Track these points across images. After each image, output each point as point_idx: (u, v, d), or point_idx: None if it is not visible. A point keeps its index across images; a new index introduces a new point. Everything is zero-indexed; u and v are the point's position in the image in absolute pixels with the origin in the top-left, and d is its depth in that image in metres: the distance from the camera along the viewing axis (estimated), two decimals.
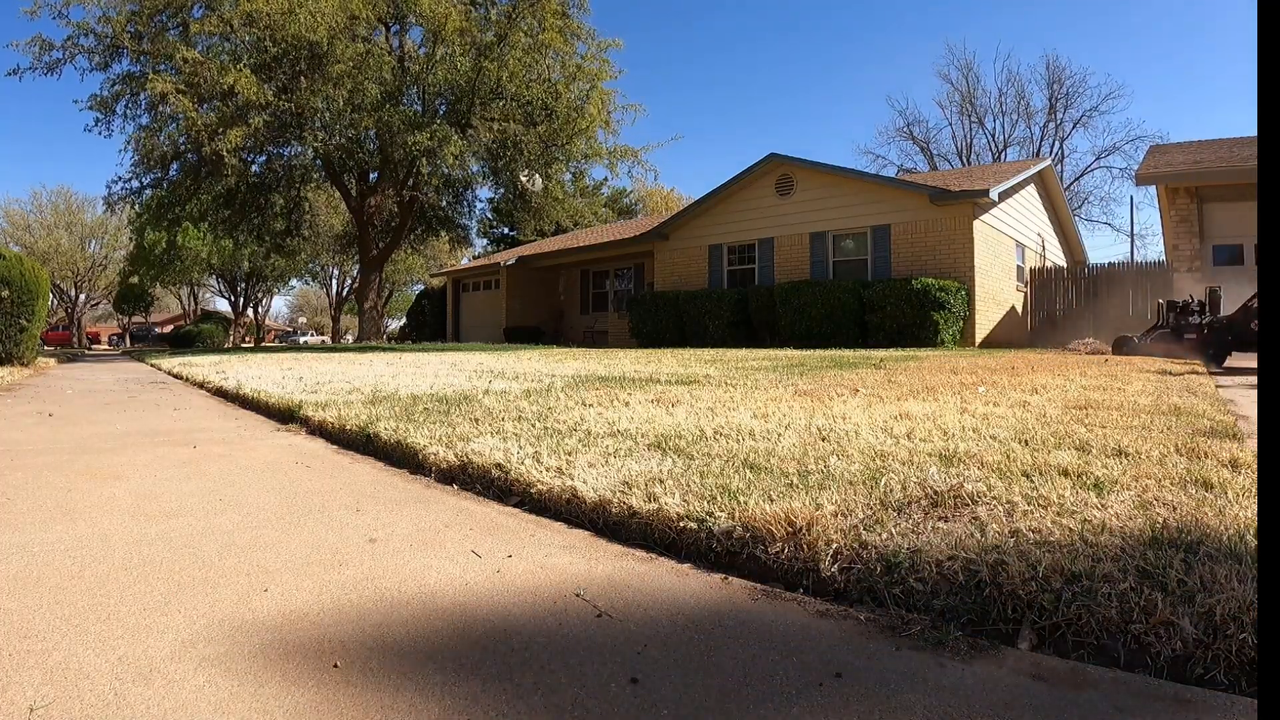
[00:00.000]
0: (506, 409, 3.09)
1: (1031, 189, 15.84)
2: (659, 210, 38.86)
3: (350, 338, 44.78)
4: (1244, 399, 3.54)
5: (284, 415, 3.53)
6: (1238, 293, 10.91)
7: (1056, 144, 35.73)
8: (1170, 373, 4.73)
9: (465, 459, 2.08)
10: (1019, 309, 14.50)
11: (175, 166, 15.09)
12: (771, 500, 1.44)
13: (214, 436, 3.02)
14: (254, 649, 1.01)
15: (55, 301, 42.77)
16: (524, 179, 15.38)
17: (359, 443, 2.67)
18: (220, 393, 4.97)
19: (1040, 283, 14.76)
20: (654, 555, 1.41)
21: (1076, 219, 20.53)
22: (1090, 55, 56.32)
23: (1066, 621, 1.01)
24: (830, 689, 0.89)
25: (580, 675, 0.93)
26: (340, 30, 13.19)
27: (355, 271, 34.80)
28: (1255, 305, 6.55)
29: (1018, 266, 14.73)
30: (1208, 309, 6.88)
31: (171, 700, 0.87)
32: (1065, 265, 16.61)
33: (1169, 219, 12.15)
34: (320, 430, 3.03)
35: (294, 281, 47.03)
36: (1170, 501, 1.42)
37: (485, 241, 37.32)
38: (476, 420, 2.78)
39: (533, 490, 1.78)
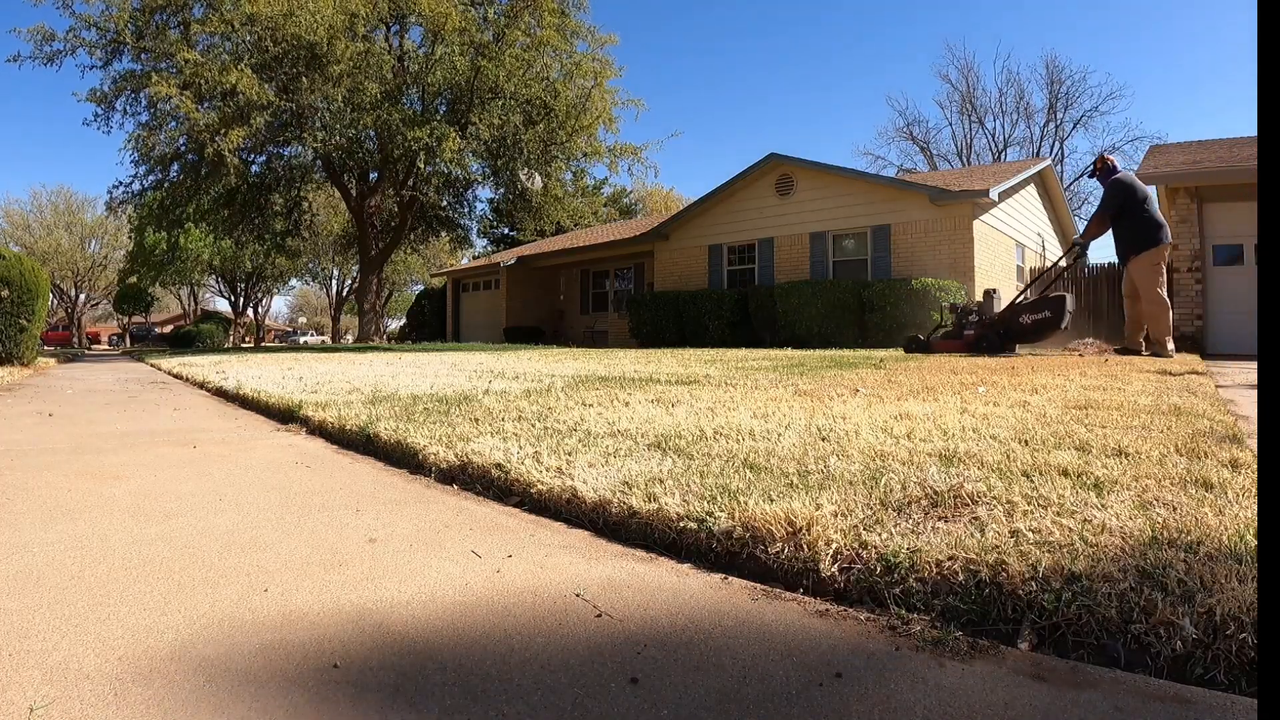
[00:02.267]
0: (506, 409, 3.09)
1: (1031, 189, 15.84)
2: (659, 210, 38.87)
3: (350, 338, 44.80)
4: (1244, 399, 3.54)
5: (284, 415, 3.53)
6: (1230, 290, 10.93)
7: (1056, 144, 35.75)
8: (1170, 373, 4.73)
9: (465, 459, 2.08)
10: None
11: (176, 166, 15.10)
12: (771, 500, 1.44)
13: (214, 436, 3.02)
14: (254, 649, 1.01)
15: (55, 301, 42.80)
16: (524, 178, 15.38)
17: (359, 443, 2.67)
18: (220, 393, 4.97)
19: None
20: (654, 555, 1.41)
21: (1077, 219, 20.52)
22: (1091, 56, 56.41)
23: (1066, 621, 1.01)
24: (830, 689, 0.89)
25: (580, 675, 0.93)
26: (340, 30, 13.19)
27: (355, 271, 34.79)
28: (1020, 302, 7.64)
29: (1018, 266, 14.73)
30: (983, 310, 7.95)
31: (172, 700, 0.87)
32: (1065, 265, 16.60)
33: (1169, 219, 12.13)
34: (320, 430, 3.03)
35: (294, 281, 47.08)
36: (1170, 501, 1.42)
37: (485, 241, 37.31)
38: (476, 420, 2.78)
39: (533, 490, 1.78)
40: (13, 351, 7.43)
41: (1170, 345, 7.02)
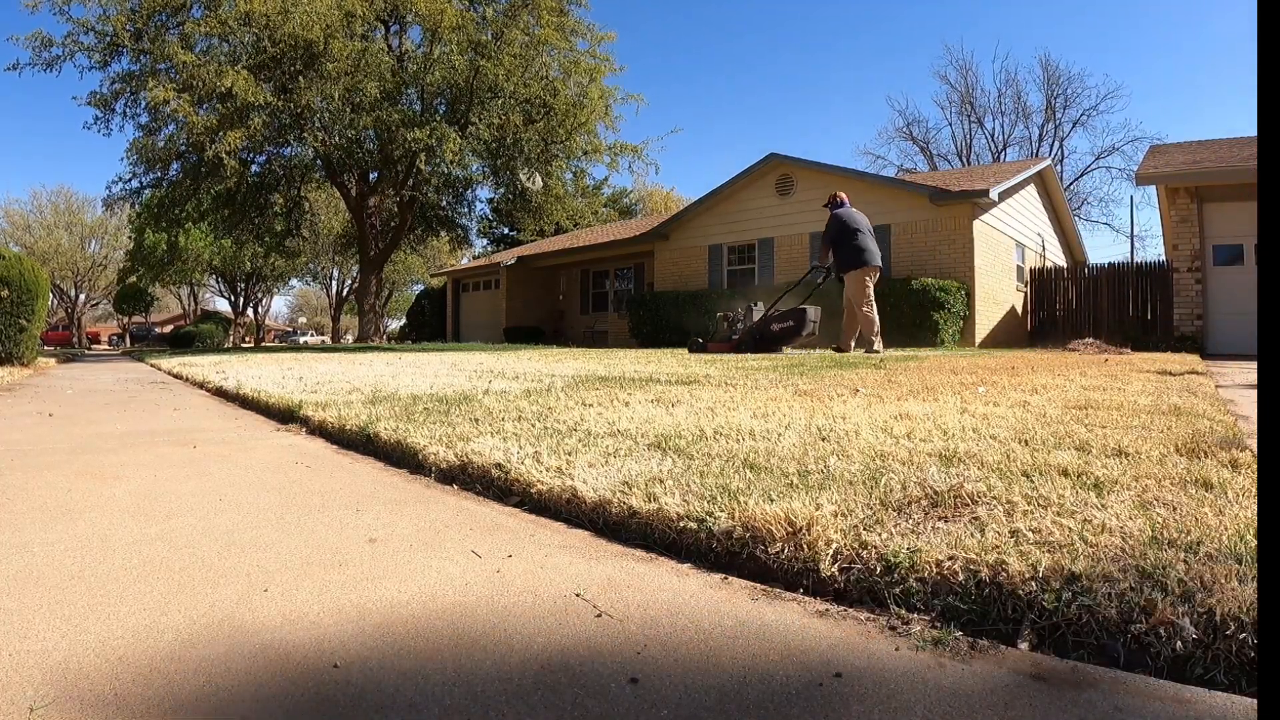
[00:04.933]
0: (506, 409, 3.09)
1: (1031, 189, 15.84)
2: (659, 210, 38.84)
3: (350, 338, 44.79)
4: (1244, 399, 3.54)
5: (284, 415, 3.53)
6: (1230, 290, 10.95)
7: (1056, 144, 35.79)
8: (1170, 373, 4.73)
9: (465, 459, 2.08)
10: (1019, 309, 14.51)
11: (175, 166, 15.10)
12: (771, 500, 1.44)
13: (214, 436, 3.02)
14: (254, 649, 1.01)
15: (55, 301, 42.81)
16: (524, 178, 15.37)
17: (359, 443, 2.67)
18: (220, 393, 4.97)
19: (1040, 283, 14.76)
20: (654, 555, 1.41)
21: (1076, 219, 20.52)
22: (1087, 55, 56.46)
23: (1066, 621, 1.01)
24: (830, 689, 0.90)
25: (579, 675, 0.93)
26: (337, 28, 13.18)
27: (355, 271, 34.76)
28: (772, 314, 8.93)
29: (1017, 266, 14.73)
30: (745, 320, 9.31)
31: (172, 700, 0.87)
32: (1065, 265, 16.60)
33: (1169, 219, 12.14)
34: (320, 430, 3.03)
35: (294, 281, 47.07)
36: (1170, 501, 1.42)
37: (485, 241, 37.29)
38: (476, 420, 2.78)
39: (533, 490, 1.78)
40: (12, 351, 7.43)
41: (878, 343, 8.58)
